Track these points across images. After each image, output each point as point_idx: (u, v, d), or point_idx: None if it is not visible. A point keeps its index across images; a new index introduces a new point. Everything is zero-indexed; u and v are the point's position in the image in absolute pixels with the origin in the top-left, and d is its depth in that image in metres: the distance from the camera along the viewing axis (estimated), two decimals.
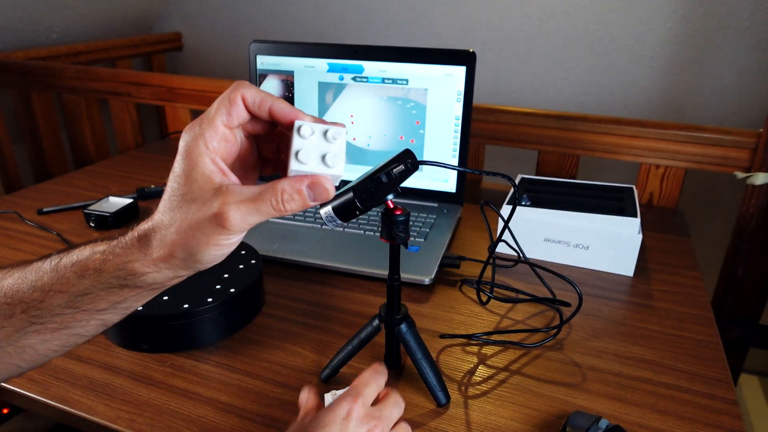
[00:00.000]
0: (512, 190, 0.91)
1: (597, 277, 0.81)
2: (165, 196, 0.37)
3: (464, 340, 0.67)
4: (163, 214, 0.37)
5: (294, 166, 0.36)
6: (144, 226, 0.38)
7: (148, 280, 0.38)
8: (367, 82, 0.95)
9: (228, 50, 1.85)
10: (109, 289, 0.38)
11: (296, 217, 0.93)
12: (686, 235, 0.96)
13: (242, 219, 0.35)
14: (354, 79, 0.96)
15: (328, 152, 0.36)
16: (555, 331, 0.68)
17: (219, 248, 0.36)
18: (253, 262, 0.73)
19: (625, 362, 0.64)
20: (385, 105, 0.96)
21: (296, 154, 0.36)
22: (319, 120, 0.38)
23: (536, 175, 1.13)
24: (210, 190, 0.36)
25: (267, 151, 0.43)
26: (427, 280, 0.76)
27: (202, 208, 0.35)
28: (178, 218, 0.36)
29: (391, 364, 0.62)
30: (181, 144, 0.37)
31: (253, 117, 0.38)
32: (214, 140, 0.36)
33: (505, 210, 0.84)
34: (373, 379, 0.46)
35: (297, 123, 0.36)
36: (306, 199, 0.37)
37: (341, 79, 0.97)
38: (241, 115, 0.37)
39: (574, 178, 1.11)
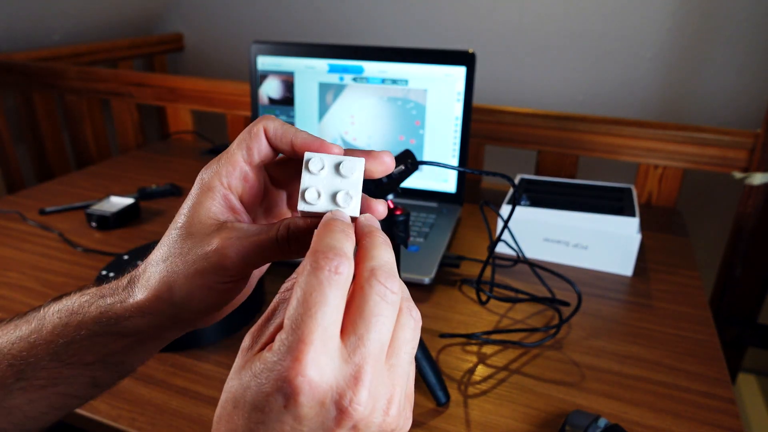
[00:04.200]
0: (511, 190, 0.92)
1: (596, 276, 0.82)
2: (165, 233, 0.33)
3: (464, 340, 0.67)
4: (157, 250, 0.33)
5: (301, 206, 0.31)
6: (138, 266, 0.34)
7: (129, 326, 0.33)
8: (367, 82, 0.96)
9: (229, 51, 1.86)
10: (92, 337, 0.34)
11: None
12: (685, 234, 0.96)
13: (244, 256, 0.31)
14: (354, 79, 0.96)
15: (339, 189, 0.31)
16: (554, 330, 0.68)
17: (211, 292, 0.32)
18: None
19: (624, 361, 0.64)
20: (385, 105, 0.96)
21: (303, 192, 0.31)
22: (341, 150, 0.32)
23: (536, 175, 1.13)
24: (212, 225, 0.32)
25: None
26: (427, 280, 0.76)
27: (200, 243, 0.31)
28: (172, 253, 0.32)
29: None
30: (197, 181, 0.33)
31: (277, 152, 0.34)
32: (231, 177, 0.33)
33: (505, 210, 0.84)
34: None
35: (306, 156, 0.31)
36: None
37: (341, 79, 0.97)
38: (262, 149, 0.33)
39: (574, 178, 1.11)
